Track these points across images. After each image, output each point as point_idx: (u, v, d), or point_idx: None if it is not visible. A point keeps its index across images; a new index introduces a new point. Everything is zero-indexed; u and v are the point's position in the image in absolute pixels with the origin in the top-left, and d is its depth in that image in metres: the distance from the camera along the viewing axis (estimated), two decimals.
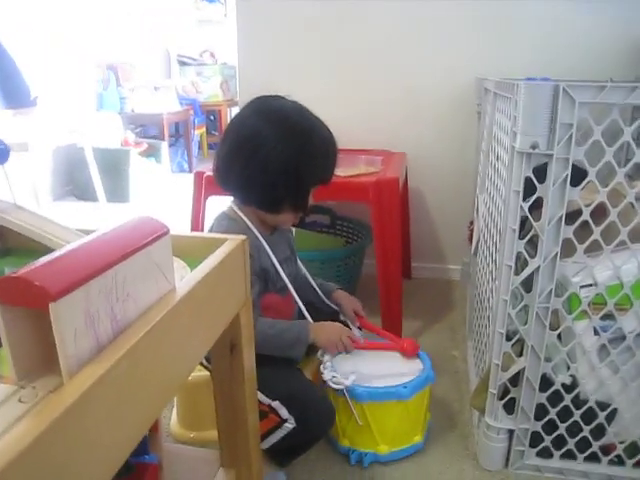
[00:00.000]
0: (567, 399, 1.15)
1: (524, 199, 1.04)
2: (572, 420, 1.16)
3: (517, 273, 1.09)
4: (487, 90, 1.65)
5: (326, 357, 1.24)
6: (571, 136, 0.96)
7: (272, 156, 1.09)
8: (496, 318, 1.14)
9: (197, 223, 1.80)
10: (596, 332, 1.11)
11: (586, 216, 1.01)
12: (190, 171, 4.75)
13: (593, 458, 1.20)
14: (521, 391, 1.16)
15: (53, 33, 3.66)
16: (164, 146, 4.39)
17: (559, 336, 1.12)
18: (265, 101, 1.17)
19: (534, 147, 0.98)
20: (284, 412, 1.08)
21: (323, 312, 1.32)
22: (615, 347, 1.09)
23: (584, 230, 1.03)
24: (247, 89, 2.30)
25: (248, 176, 1.12)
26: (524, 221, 1.07)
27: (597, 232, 1.02)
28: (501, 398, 1.20)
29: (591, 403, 1.14)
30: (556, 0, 1.97)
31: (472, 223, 1.90)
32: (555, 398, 1.15)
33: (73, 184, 4.00)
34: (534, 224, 1.04)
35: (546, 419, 1.17)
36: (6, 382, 0.46)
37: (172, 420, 1.40)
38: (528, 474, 1.23)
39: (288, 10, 2.19)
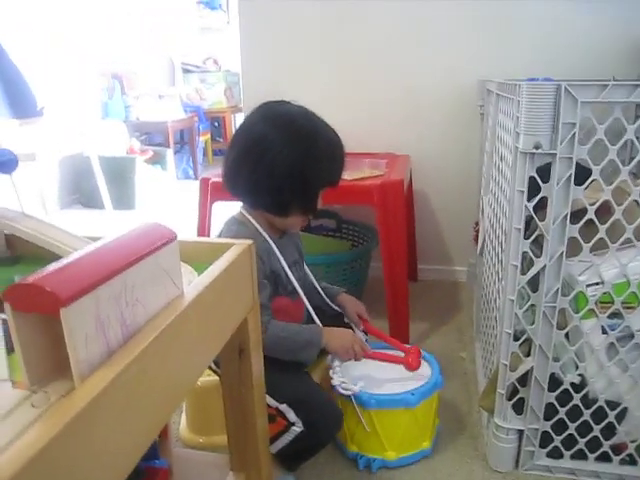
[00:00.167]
0: (576, 398, 1.14)
1: (528, 199, 1.04)
2: (582, 420, 1.16)
3: (523, 273, 1.09)
4: (489, 91, 1.65)
5: (336, 363, 1.24)
6: (574, 135, 0.97)
7: (278, 160, 1.10)
8: (503, 318, 1.14)
9: (203, 229, 1.81)
10: (604, 331, 1.10)
11: (591, 214, 1.01)
12: (195, 178, 4.77)
13: (604, 458, 1.19)
14: (530, 391, 1.16)
15: (57, 42, 3.68)
16: (169, 153, 4.41)
17: (567, 335, 1.12)
18: (271, 106, 1.17)
19: (537, 147, 0.98)
20: (292, 415, 1.08)
21: (327, 315, 1.32)
22: (623, 345, 1.09)
23: (589, 229, 1.03)
24: (251, 95, 2.32)
25: (256, 181, 1.13)
26: (529, 221, 1.07)
27: (602, 230, 1.02)
28: (510, 398, 1.20)
29: (601, 402, 1.14)
30: (557, 0, 1.98)
31: (477, 224, 1.90)
32: (564, 398, 1.15)
33: (80, 192, 4.02)
34: (539, 224, 1.04)
35: (555, 419, 1.17)
36: (19, 387, 0.46)
37: (181, 425, 1.41)
38: (539, 475, 1.23)
39: (290, 16, 2.20)
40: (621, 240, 1.03)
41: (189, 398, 1.38)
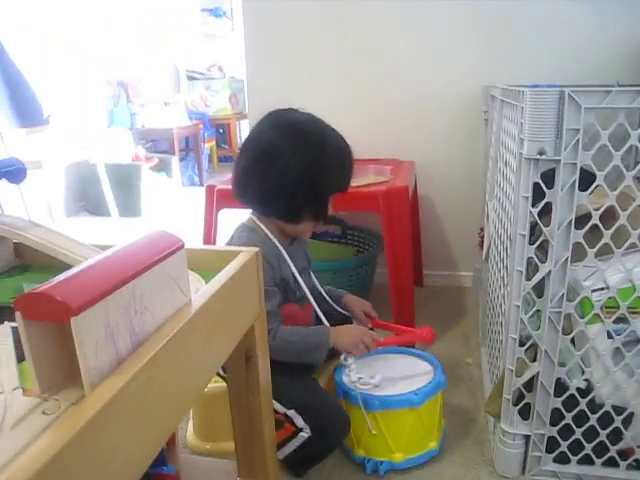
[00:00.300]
0: (582, 404, 1.14)
1: (533, 204, 1.05)
2: (588, 425, 1.16)
3: (528, 278, 1.09)
4: (494, 97, 1.66)
5: (350, 360, 1.25)
6: (578, 141, 0.97)
7: (289, 167, 1.11)
8: (509, 324, 1.14)
9: (209, 236, 1.81)
10: (609, 335, 1.10)
11: (595, 220, 1.01)
12: (201, 184, 4.78)
13: (611, 463, 1.19)
14: (536, 396, 1.16)
15: (62, 48, 3.71)
16: (175, 160, 4.43)
17: (572, 340, 1.12)
18: (279, 114, 1.19)
19: (541, 153, 0.99)
20: (300, 421, 1.09)
21: (335, 319, 1.33)
22: (629, 350, 1.09)
23: (594, 234, 1.03)
24: (256, 102, 2.33)
25: (267, 189, 1.14)
26: (534, 226, 1.07)
27: (607, 235, 1.02)
28: (516, 404, 1.20)
29: (607, 407, 1.14)
30: (560, 5, 1.98)
31: (482, 229, 1.90)
32: (570, 403, 1.15)
33: (86, 200, 4.05)
34: (544, 229, 1.05)
35: (562, 424, 1.17)
36: (30, 395, 0.47)
37: (188, 432, 1.41)
38: None
39: (295, 23, 2.22)
40: (626, 245, 1.03)
41: (196, 405, 1.38)
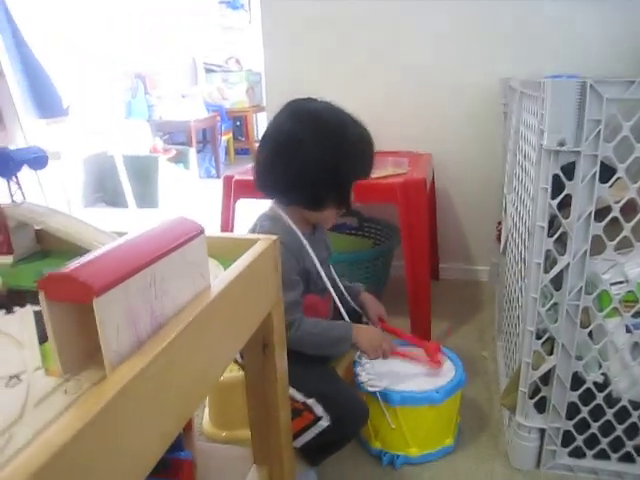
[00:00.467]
0: (599, 398, 1.14)
1: (552, 197, 1.04)
2: (605, 419, 1.15)
3: (546, 271, 1.09)
4: (513, 89, 1.64)
5: (364, 359, 1.25)
6: (599, 133, 0.96)
7: (311, 156, 1.11)
8: (526, 316, 1.14)
9: (227, 226, 1.82)
10: (628, 330, 1.10)
11: (616, 212, 1.01)
12: (218, 176, 4.80)
13: (627, 458, 1.18)
14: (552, 390, 1.15)
15: (80, 40, 3.74)
16: (192, 152, 4.45)
17: (590, 334, 1.11)
18: (299, 104, 1.18)
19: (562, 144, 0.98)
20: (319, 410, 1.09)
21: (348, 313, 1.33)
22: None
23: (614, 227, 1.02)
24: (274, 94, 2.33)
25: (288, 179, 1.14)
26: (553, 219, 1.07)
27: (627, 228, 1.01)
28: (532, 397, 1.19)
29: (624, 402, 1.13)
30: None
31: (500, 223, 1.89)
32: (587, 397, 1.15)
33: (103, 191, 4.08)
34: (563, 221, 1.04)
35: (578, 418, 1.17)
36: (52, 374, 0.48)
37: (204, 420, 1.42)
38: (560, 474, 1.22)
39: (311, 15, 2.21)
40: None
41: (211, 393, 1.39)
